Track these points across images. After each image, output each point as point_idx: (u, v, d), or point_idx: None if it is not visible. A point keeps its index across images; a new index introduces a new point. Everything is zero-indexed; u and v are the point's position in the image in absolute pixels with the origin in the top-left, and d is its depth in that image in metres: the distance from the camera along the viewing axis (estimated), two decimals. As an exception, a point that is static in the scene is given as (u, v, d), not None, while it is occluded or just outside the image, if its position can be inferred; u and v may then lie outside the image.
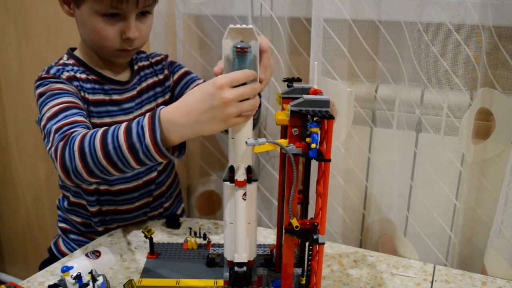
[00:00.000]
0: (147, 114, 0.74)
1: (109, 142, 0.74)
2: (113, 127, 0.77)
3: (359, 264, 0.94)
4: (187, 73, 1.09)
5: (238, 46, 0.67)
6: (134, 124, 0.74)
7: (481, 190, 1.01)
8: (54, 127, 0.82)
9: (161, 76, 1.07)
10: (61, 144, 0.78)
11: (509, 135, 0.96)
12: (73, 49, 1.01)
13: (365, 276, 0.90)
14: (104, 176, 0.78)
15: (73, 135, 0.79)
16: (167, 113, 0.72)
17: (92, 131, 0.78)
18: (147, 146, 0.72)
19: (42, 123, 0.86)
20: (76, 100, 0.90)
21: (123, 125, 0.76)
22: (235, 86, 0.68)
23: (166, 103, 1.07)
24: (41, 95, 0.90)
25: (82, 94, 0.94)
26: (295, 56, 1.11)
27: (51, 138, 0.82)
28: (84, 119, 0.86)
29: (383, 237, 1.10)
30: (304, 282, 0.76)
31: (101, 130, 0.77)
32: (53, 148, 0.80)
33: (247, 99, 0.69)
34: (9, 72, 1.65)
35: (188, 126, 0.71)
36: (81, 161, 0.76)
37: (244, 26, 0.67)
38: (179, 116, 0.71)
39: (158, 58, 1.09)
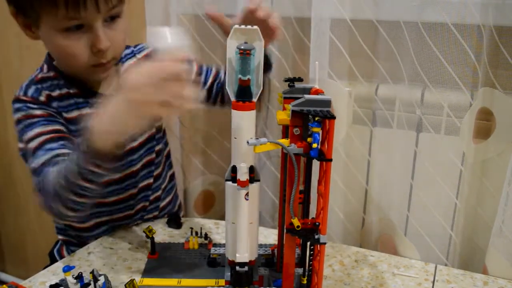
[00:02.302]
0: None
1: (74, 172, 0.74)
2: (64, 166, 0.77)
3: (360, 264, 0.94)
4: None
5: (242, 47, 0.67)
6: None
7: (482, 189, 1.01)
8: (33, 166, 0.82)
9: None
10: (39, 190, 0.81)
11: (510, 134, 0.96)
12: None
13: (366, 276, 0.90)
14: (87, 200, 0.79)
15: (45, 180, 0.79)
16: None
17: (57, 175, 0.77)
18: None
19: (25, 158, 0.86)
20: (57, 127, 0.86)
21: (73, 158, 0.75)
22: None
23: None
24: (19, 121, 0.86)
25: (61, 114, 0.89)
26: (293, 56, 1.11)
27: (33, 179, 0.83)
28: (65, 151, 0.82)
29: (383, 236, 1.10)
30: (305, 282, 0.76)
31: (62, 172, 0.76)
32: (36, 191, 0.82)
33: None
34: (9, 72, 1.64)
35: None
36: (61, 204, 0.78)
37: (248, 26, 0.67)
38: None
39: (147, 52, 1.02)
